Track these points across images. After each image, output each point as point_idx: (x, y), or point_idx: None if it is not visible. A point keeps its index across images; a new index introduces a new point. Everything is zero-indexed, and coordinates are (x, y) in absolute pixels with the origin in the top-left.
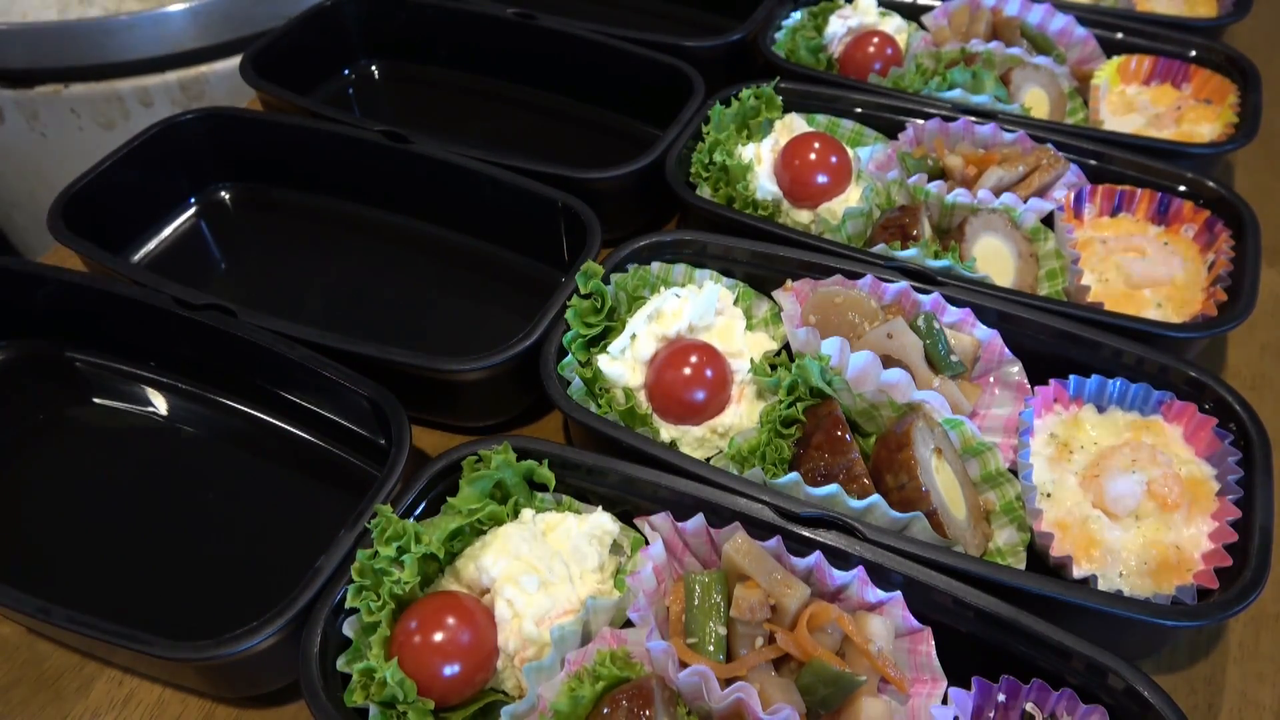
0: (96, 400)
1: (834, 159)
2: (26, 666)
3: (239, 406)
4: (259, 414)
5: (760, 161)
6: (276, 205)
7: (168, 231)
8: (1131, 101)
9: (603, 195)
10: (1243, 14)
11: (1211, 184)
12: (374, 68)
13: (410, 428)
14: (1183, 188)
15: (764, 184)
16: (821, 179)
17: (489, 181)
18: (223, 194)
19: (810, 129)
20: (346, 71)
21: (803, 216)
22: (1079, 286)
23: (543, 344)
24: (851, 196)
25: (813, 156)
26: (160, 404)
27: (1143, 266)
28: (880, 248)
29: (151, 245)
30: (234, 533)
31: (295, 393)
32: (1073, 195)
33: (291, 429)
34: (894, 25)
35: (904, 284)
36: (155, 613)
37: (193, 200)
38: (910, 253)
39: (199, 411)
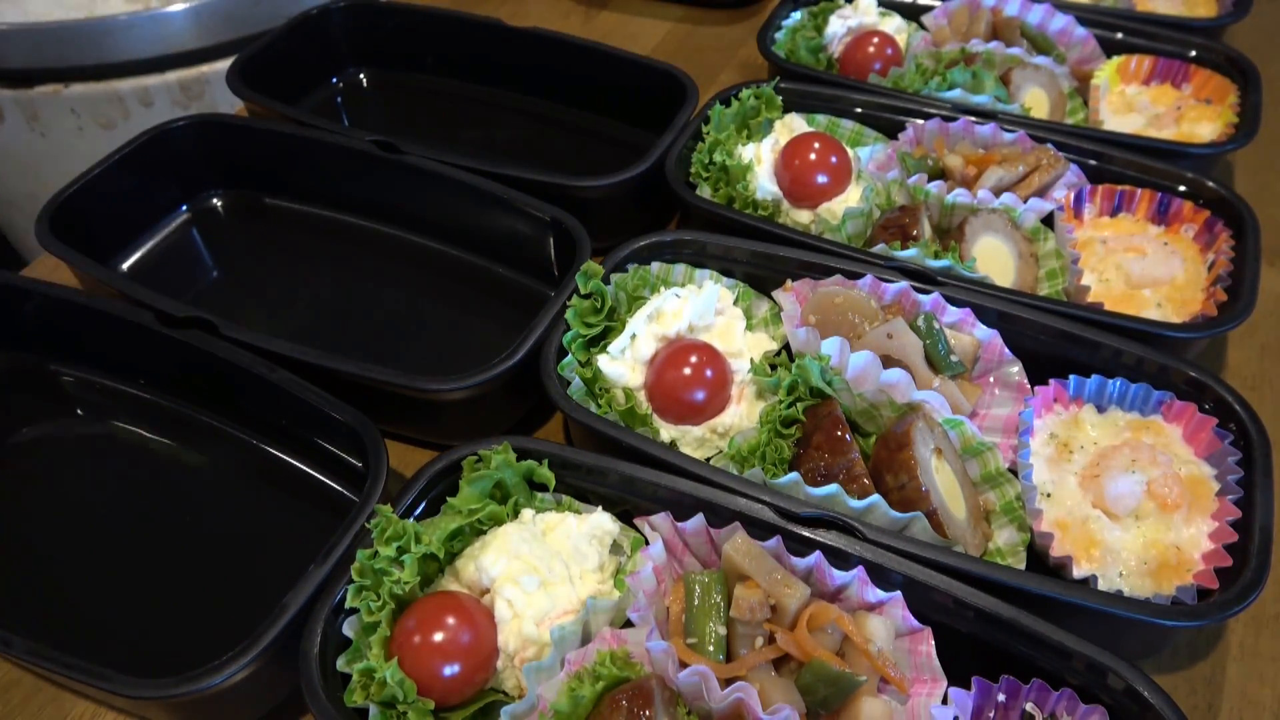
0: (80, 416)
1: (834, 159)
2: None
3: (222, 426)
4: (241, 434)
5: (760, 161)
6: (269, 212)
7: (160, 238)
8: (1131, 101)
9: (597, 203)
10: (1243, 14)
11: (1211, 184)
12: (362, 76)
13: (387, 456)
14: (1183, 188)
15: (764, 184)
16: (821, 179)
17: (479, 194)
18: (215, 201)
19: (810, 129)
20: (335, 80)
21: (803, 216)
22: (1079, 286)
23: (539, 351)
24: (851, 196)
25: (813, 156)
26: (144, 422)
27: (1143, 266)
28: (880, 248)
29: (143, 252)
30: (211, 557)
31: (276, 414)
32: (1072, 195)
33: (273, 450)
34: (894, 25)
35: (904, 284)
36: (129, 639)
37: (185, 207)
38: (910, 253)
39: (182, 430)
